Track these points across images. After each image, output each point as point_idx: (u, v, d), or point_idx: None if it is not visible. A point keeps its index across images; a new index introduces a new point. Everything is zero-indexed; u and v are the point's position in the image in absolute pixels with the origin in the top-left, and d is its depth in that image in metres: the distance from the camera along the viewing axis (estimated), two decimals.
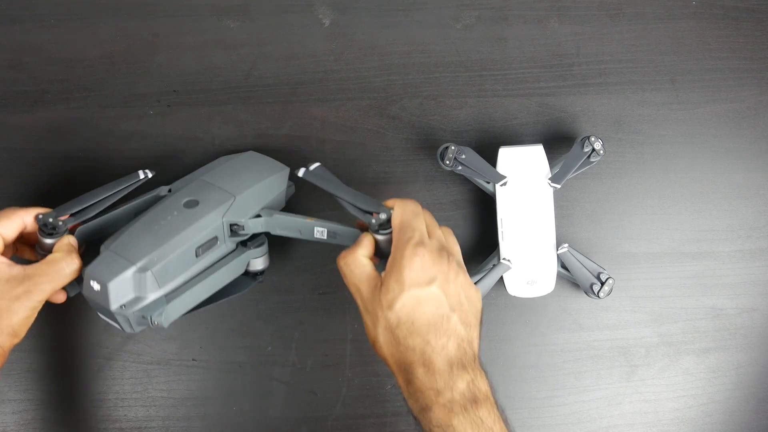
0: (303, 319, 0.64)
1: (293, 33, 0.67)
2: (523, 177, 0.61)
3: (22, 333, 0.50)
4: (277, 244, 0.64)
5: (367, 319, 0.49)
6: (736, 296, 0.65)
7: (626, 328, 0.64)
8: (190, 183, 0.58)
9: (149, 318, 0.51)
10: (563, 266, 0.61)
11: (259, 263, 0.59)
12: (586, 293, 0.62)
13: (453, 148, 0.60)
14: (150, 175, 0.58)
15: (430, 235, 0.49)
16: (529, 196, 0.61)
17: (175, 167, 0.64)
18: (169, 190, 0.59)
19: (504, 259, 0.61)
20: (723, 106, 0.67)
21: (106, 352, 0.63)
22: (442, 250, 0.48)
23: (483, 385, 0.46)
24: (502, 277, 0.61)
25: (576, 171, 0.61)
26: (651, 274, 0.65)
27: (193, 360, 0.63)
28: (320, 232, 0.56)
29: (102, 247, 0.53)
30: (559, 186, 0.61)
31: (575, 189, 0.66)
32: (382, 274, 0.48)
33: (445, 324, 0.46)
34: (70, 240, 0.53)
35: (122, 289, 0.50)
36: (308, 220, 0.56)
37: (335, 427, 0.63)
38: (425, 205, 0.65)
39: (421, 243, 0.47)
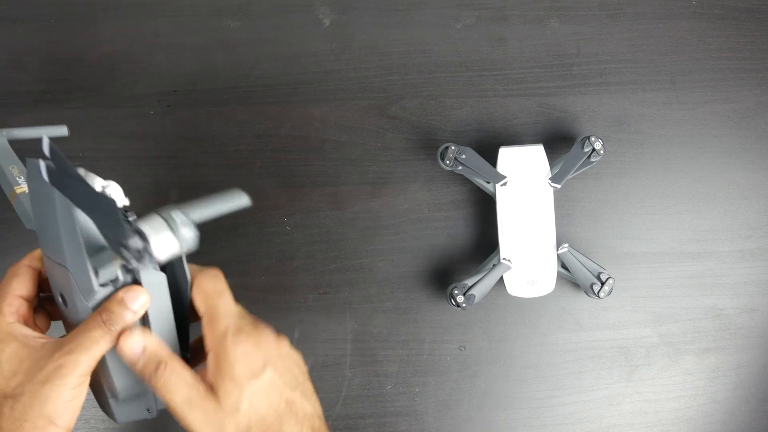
0: (303, 319, 0.64)
1: (293, 33, 0.67)
2: (523, 177, 0.61)
3: (65, 423, 0.39)
4: (276, 243, 0.64)
5: None
6: (736, 296, 0.65)
7: (626, 328, 0.64)
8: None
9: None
10: (563, 266, 0.61)
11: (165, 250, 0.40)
12: (586, 293, 0.62)
13: (453, 148, 0.60)
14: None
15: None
16: (529, 196, 0.61)
17: (175, 167, 0.64)
18: None
19: (504, 259, 0.61)
20: (723, 106, 0.67)
21: None
22: (256, 324, 0.43)
23: None
24: (502, 277, 0.61)
25: (576, 171, 0.61)
26: (651, 274, 0.65)
27: None
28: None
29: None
30: (559, 186, 0.61)
31: (575, 189, 0.66)
32: (204, 378, 0.41)
33: (293, 408, 0.43)
34: (124, 296, 0.40)
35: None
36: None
37: (335, 426, 0.63)
38: (425, 205, 0.65)
39: (239, 330, 0.42)
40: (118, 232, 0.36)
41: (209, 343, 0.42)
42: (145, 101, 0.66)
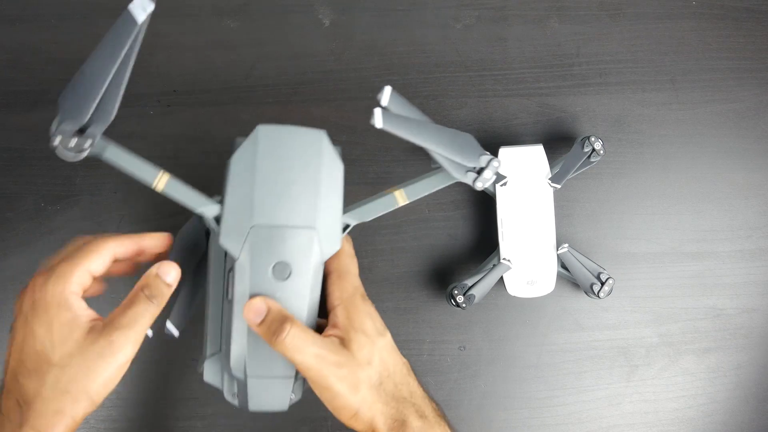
0: None
1: (293, 33, 0.67)
2: (523, 177, 0.61)
3: (99, 399, 0.40)
4: None
5: (341, 388, 0.42)
6: (736, 296, 0.65)
7: (626, 328, 0.64)
8: (246, 236, 0.43)
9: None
10: (563, 266, 0.61)
11: None
12: (586, 293, 0.62)
13: None
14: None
15: None
16: (529, 196, 0.61)
17: (175, 168, 0.64)
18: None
19: (504, 259, 0.61)
20: (723, 106, 0.67)
21: None
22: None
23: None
24: (502, 277, 0.61)
25: (576, 171, 0.61)
26: (651, 274, 0.65)
27: (193, 360, 0.63)
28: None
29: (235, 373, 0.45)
30: (559, 186, 0.61)
31: (575, 189, 0.66)
32: (332, 331, 0.43)
33: (410, 370, 0.45)
34: (158, 271, 0.43)
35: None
36: (398, 201, 0.46)
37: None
38: (425, 205, 0.65)
39: (365, 294, 0.45)
40: (480, 158, 0.43)
41: (338, 297, 0.44)
42: (145, 101, 0.66)
